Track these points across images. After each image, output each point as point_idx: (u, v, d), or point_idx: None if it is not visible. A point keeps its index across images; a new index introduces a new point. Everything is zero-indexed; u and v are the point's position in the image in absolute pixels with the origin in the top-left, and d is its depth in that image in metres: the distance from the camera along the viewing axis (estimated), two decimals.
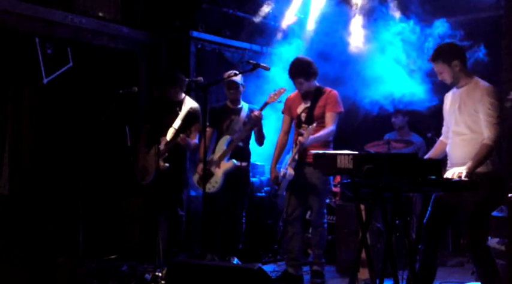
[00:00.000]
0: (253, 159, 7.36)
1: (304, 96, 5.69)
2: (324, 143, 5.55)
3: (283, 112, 5.90)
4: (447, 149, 4.57)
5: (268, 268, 6.24)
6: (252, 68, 5.45)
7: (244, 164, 6.13)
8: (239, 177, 6.06)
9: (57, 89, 6.60)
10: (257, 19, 8.05)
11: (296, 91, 5.81)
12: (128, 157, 6.24)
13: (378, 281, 4.17)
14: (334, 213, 6.61)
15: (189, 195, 6.73)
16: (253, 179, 6.98)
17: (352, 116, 7.15)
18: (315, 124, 5.39)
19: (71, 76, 6.67)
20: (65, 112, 6.70)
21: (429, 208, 4.53)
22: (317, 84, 5.70)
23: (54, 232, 6.41)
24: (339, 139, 5.84)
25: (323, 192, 5.63)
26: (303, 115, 5.65)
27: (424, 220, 4.53)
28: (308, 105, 5.63)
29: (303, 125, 5.61)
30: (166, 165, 5.93)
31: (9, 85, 6.35)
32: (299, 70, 5.57)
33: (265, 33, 8.04)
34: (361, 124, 7.60)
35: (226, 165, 5.98)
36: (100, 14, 6.95)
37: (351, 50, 7.30)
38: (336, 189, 7.24)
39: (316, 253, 5.69)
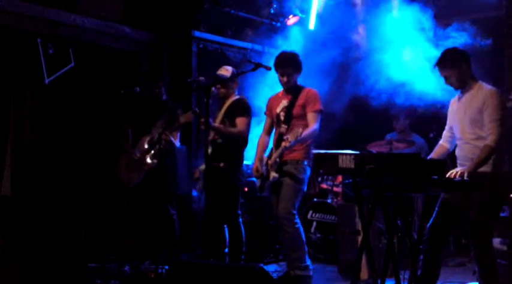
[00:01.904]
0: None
1: (285, 94, 5.60)
2: (306, 143, 5.43)
3: (265, 114, 5.82)
4: (456, 152, 4.61)
5: (270, 268, 6.24)
6: (254, 67, 5.43)
7: (221, 164, 5.69)
8: (216, 178, 5.56)
9: (59, 89, 6.60)
10: (259, 19, 8.05)
11: (276, 93, 5.76)
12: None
13: (379, 282, 4.17)
14: (336, 212, 6.61)
15: (191, 195, 6.73)
16: (254, 179, 6.96)
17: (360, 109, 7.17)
18: (300, 129, 5.15)
19: (73, 77, 6.67)
20: (66, 113, 6.70)
21: (436, 209, 4.55)
22: (298, 83, 5.62)
23: (56, 232, 6.42)
24: (340, 139, 5.82)
25: (290, 188, 5.36)
26: (282, 114, 5.55)
27: (430, 222, 4.55)
28: (287, 104, 5.54)
29: (282, 125, 5.52)
30: (155, 161, 5.95)
31: (11, 86, 6.36)
32: (288, 60, 5.52)
33: (267, 33, 8.04)
34: (363, 124, 7.60)
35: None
36: (102, 14, 6.95)
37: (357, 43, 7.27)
38: (338, 189, 7.25)
39: (293, 257, 5.41)
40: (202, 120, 5.41)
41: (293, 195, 5.41)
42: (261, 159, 5.62)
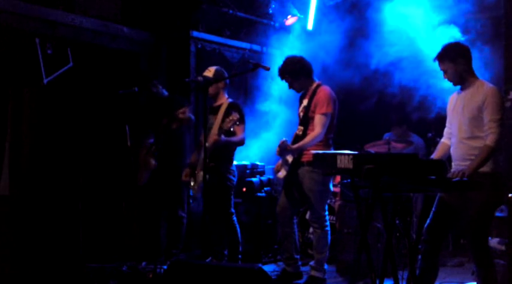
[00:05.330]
0: (253, 159, 7.38)
1: (304, 94, 5.64)
2: (319, 143, 5.43)
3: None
4: (451, 151, 4.59)
5: (268, 268, 6.25)
6: (252, 67, 5.44)
7: (210, 164, 5.51)
8: (210, 178, 5.44)
9: (58, 89, 6.59)
10: (257, 19, 8.05)
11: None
12: (128, 157, 6.26)
13: (378, 281, 4.17)
14: (334, 213, 6.61)
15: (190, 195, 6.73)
16: (253, 179, 6.98)
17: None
18: (286, 141, 5.36)
19: (71, 77, 6.66)
20: (65, 113, 6.70)
21: (432, 209, 4.55)
22: (316, 81, 5.63)
23: (55, 232, 6.41)
24: (339, 139, 5.81)
25: (317, 194, 5.45)
26: (301, 115, 5.60)
27: (427, 222, 4.55)
28: (305, 104, 5.57)
29: (299, 126, 5.56)
30: (154, 162, 6.03)
31: (9, 85, 6.34)
32: (284, 69, 5.56)
33: (266, 33, 8.04)
34: (361, 124, 7.61)
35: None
36: (101, 14, 6.95)
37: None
38: (336, 189, 7.25)
39: (316, 258, 5.58)
40: (214, 138, 5.47)
41: (321, 199, 5.52)
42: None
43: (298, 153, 5.44)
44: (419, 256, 4.65)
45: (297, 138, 5.49)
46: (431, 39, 6.31)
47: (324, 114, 5.41)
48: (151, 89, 6.28)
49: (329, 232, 5.57)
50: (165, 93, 6.39)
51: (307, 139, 5.39)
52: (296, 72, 5.54)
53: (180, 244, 6.26)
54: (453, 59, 4.46)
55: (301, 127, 5.52)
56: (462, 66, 4.46)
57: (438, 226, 4.54)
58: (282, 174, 5.55)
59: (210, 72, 5.86)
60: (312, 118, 5.45)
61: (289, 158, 5.47)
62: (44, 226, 6.35)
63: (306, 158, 5.37)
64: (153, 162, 6.02)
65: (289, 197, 5.58)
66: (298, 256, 5.71)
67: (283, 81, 5.65)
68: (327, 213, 5.60)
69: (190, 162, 6.02)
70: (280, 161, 5.62)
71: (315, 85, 5.58)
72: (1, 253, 5.93)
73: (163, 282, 5.18)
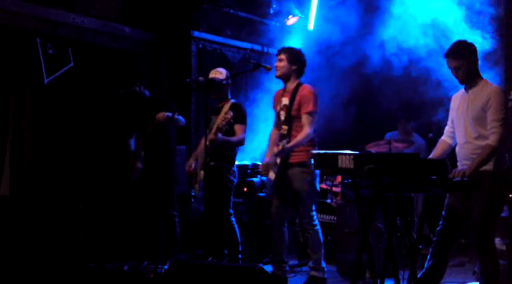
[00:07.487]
0: (254, 158, 7.37)
1: (285, 91, 5.49)
2: (307, 144, 5.37)
3: (273, 108, 5.73)
4: (457, 150, 4.60)
5: (269, 268, 6.24)
6: (253, 67, 5.41)
7: (212, 163, 5.61)
8: (210, 178, 5.50)
9: (58, 89, 6.60)
10: (258, 19, 8.05)
11: (281, 88, 5.62)
12: (127, 157, 6.26)
13: (378, 281, 4.17)
14: (335, 212, 6.61)
15: (189, 195, 6.73)
16: (254, 179, 6.97)
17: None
18: (285, 141, 5.25)
19: (72, 77, 6.67)
20: (66, 113, 6.70)
21: (442, 214, 4.57)
22: (299, 80, 5.48)
23: (56, 232, 6.42)
24: (338, 139, 5.81)
25: (307, 194, 5.40)
26: (282, 113, 5.47)
27: (438, 227, 4.59)
28: (286, 103, 5.45)
29: (283, 126, 5.43)
30: (139, 165, 6.09)
31: (10, 86, 6.35)
32: (289, 49, 5.46)
33: (266, 33, 8.04)
34: (361, 124, 7.61)
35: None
36: (101, 14, 6.95)
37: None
38: (337, 189, 7.25)
39: (313, 258, 5.52)
40: (211, 137, 5.43)
41: (310, 200, 5.47)
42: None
43: (285, 154, 5.35)
44: (429, 256, 4.67)
45: (283, 138, 5.38)
46: (436, 38, 6.32)
47: (311, 113, 5.32)
48: (135, 89, 6.24)
49: (319, 230, 5.50)
50: (147, 94, 6.35)
51: (299, 137, 5.30)
52: (294, 59, 5.42)
53: (177, 243, 6.25)
54: (467, 56, 4.44)
55: (285, 127, 5.41)
56: (472, 63, 4.45)
57: (448, 229, 4.57)
58: (272, 175, 5.50)
59: (221, 74, 5.84)
60: (296, 118, 5.36)
61: (277, 160, 5.41)
62: (44, 226, 6.35)
63: (294, 159, 5.33)
64: (139, 164, 6.06)
65: (281, 198, 5.54)
66: (287, 260, 5.69)
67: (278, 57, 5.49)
68: (314, 212, 5.53)
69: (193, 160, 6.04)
70: (264, 162, 5.55)
71: (295, 83, 5.45)
72: (1, 253, 5.94)
73: (164, 282, 5.18)
